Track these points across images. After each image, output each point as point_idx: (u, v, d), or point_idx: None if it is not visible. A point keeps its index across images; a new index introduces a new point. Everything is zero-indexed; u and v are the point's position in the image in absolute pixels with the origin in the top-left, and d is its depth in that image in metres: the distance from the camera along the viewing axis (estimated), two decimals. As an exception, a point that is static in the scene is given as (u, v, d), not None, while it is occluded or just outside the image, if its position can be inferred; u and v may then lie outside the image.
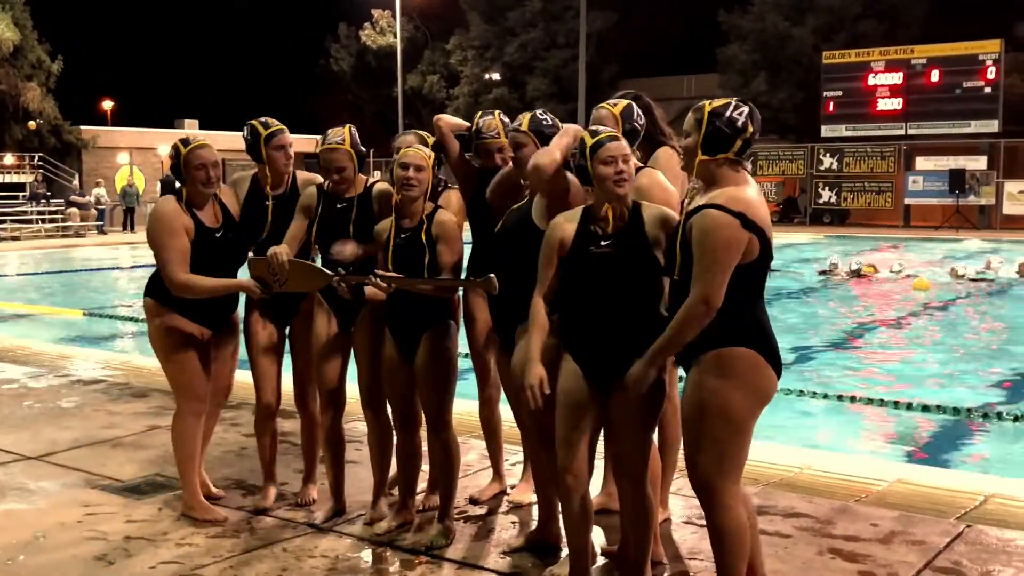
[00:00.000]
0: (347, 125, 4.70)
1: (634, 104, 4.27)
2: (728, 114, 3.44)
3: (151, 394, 7.54)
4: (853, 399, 7.96)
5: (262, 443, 5.02)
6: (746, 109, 3.47)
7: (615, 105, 4.26)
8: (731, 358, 3.42)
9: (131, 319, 13.34)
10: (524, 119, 4.35)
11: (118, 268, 21.92)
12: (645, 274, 3.65)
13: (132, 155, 36.63)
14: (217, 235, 4.76)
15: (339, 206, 4.66)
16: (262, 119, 4.91)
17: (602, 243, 3.67)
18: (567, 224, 3.75)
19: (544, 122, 4.31)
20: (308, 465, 5.09)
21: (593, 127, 3.93)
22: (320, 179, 4.83)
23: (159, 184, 33.78)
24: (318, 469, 5.07)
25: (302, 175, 5.02)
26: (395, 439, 4.72)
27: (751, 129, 3.45)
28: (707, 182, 3.48)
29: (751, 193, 3.43)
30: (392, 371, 4.55)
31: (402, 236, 4.37)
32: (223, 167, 4.87)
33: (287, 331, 5.01)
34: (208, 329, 4.83)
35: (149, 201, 34.23)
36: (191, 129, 40.19)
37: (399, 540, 4.50)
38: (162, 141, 37.92)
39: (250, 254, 4.89)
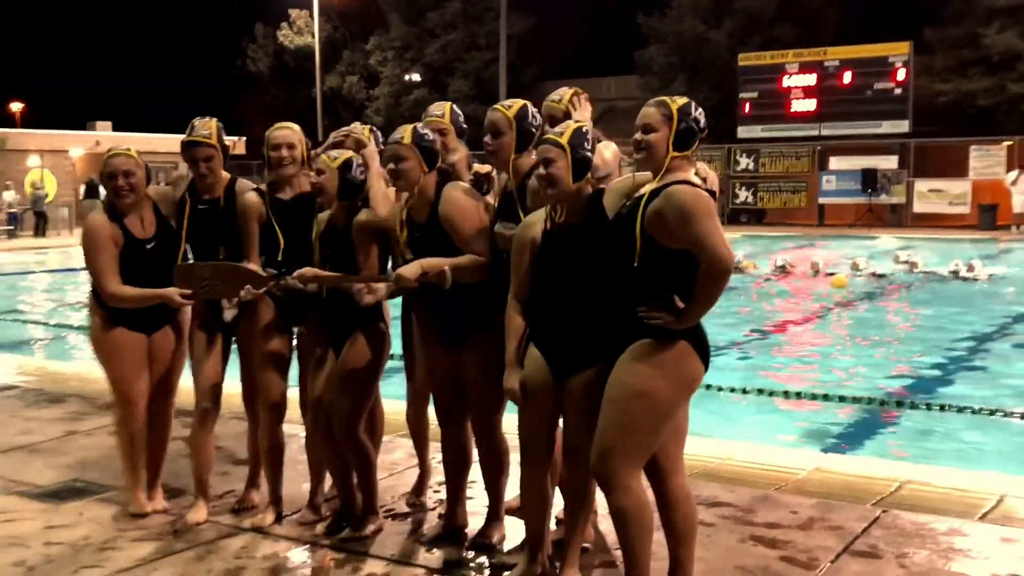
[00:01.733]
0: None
1: (528, 105, 4.24)
2: (694, 113, 3.57)
3: (67, 399, 7.40)
4: (772, 393, 8.14)
5: (198, 449, 4.89)
6: (700, 108, 3.62)
7: (509, 108, 4.18)
8: (663, 347, 3.48)
9: (42, 323, 13.06)
10: (407, 132, 4.25)
11: (29, 272, 21.38)
12: (606, 262, 3.68)
13: (43, 158, 35.71)
14: (148, 246, 4.72)
15: (200, 207, 4.78)
16: (194, 120, 4.81)
17: (567, 236, 3.75)
18: (535, 223, 3.85)
19: (425, 137, 4.27)
20: (253, 469, 5.04)
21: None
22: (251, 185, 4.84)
23: (83, 187, 32.93)
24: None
25: (242, 183, 4.89)
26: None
27: (705, 127, 3.62)
28: (665, 173, 3.54)
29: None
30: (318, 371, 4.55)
31: (416, 232, 4.28)
32: (147, 172, 4.77)
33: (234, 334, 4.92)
34: (143, 334, 4.80)
35: (62, 204, 33.46)
36: (103, 131, 39.34)
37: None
38: (74, 144, 37.09)
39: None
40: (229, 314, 4.63)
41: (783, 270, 17.62)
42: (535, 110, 4.24)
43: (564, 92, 4.57)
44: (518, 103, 4.23)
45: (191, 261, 4.76)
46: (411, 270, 4.06)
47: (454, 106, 4.82)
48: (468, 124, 4.83)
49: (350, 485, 4.62)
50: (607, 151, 4.27)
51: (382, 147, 4.58)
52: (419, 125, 4.36)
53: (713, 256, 3.38)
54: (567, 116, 4.35)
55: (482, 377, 4.19)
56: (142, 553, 4.36)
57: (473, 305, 4.20)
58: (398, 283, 4.08)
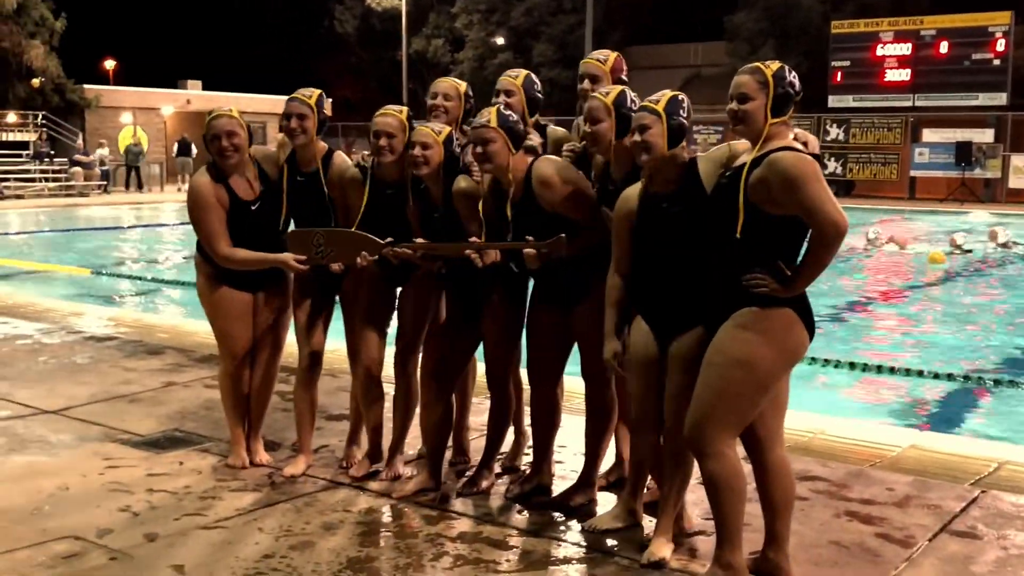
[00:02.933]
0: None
1: (626, 91, 4.18)
2: (789, 77, 3.52)
3: (165, 351, 7.59)
4: (865, 367, 8.01)
5: (300, 404, 5.00)
6: (793, 72, 3.56)
7: (607, 95, 4.13)
8: (769, 316, 3.46)
9: (138, 278, 13.38)
10: (492, 114, 4.25)
11: (122, 228, 21.92)
12: (702, 231, 3.67)
13: (135, 115, 36.45)
14: (253, 207, 4.79)
15: (299, 179, 4.85)
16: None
17: (663, 205, 3.77)
18: (632, 196, 3.88)
19: (510, 118, 4.27)
20: (355, 426, 5.09)
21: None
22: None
23: (176, 146, 33.64)
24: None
25: (339, 157, 4.87)
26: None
27: (801, 91, 3.55)
28: (764, 141, 3.50)
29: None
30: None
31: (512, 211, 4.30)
32: (249, 132, 4.80)
33: (336, 297, 4.99)
34: (249, 292, 4.89)
35: (153, 161, 34.20)
36: (194, 90, 39.98)
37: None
38: (165, 101, 37.77)
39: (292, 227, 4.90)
40: (336, 266, 4.66)
41: (874, 243, 17.27)
42: (633, 95, 4.19)
43: (610, 55, 4.70)
44: (615, 90, 4.19)
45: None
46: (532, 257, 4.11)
47: (532, 75, 4.84)
48: (552, 89, 4.88)
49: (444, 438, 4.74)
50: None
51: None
52: (501, 106, 4.38)
53: (825, 221, 3.34)
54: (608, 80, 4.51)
55: (595, 335, 4.18)
56: (242, 504, 4.46)
57: (584, 266, 4.23)
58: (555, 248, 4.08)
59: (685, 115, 3.77)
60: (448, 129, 4.50)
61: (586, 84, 4.59)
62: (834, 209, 3.35)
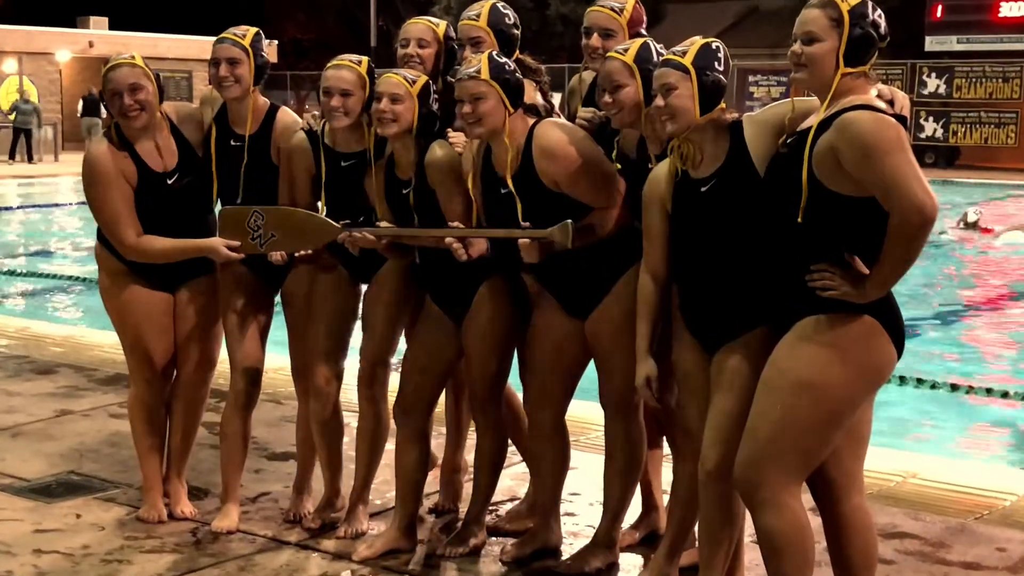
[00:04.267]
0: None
1: (650, 42, 4.16)
2: (871, 15, 3.51)
3: (58, 370, 7.60)
4: (970, 389, 8.03)
5: (230, 439, 5.02)
6: (879, 9, 3.55)
7: (626, 51, 4.11)
8: (845, 325, 3.46)
9: (28, 274, 13.39)
10: (483, 63, 4.26)
11: (7, 208, 21.93)
12: (754, 216, 3.69)
13: (22, 62, 36.46)
14: (169, 180, 4.81)
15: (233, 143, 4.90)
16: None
17: (700, 187, 3.78)
18: (661, 177, 3.90)
19: (507, 67, 4.29)
20: (304, 465, 5.13)
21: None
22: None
23: (81, 102, 33.53)
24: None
25: (284, 116, 4.95)
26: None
27: (888, 33, 3.55)
28: (835, 97, 3.50)
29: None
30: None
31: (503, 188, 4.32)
32: (159, 84, 4.82)
33: (278, 293, 5.05)
34: (167, 292, 4.92)
35: (47, 123, 34.15)
36: (98, 29, 39.98)
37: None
38: (61, 44, 37.74)
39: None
40: (277, 256, 4.68)
41: (975, 226, 17.22)
42: (659, 46, 4.17)
43: (627, 2, 4.62)
44: (636, 43, 4.18)
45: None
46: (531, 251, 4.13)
47: (498, 4, 4.82)
48: (564, 29, 4.88)
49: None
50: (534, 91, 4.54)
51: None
52: (495, 52, 4.38)
53: (908, 203, 3.33)
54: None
55: (617, 350, 4.23)
56: (158, 569, 4.46)
57: (603, 261, 4.26)
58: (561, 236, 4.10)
59: (722, 69, 3.78)
60: (424, 78, 4.51)
61: (595, 40, 4.53)
62: (921, 189, 3.34)
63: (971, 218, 17.52)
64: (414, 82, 4.46)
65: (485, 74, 4.19)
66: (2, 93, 35.29)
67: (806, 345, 3.50)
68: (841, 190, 3.44)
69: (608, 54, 4.22)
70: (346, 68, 4.62)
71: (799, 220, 3.49)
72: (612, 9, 4.60)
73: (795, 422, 3.51)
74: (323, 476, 4.99)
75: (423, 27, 4.82)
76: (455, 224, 4.33)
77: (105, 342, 7.74)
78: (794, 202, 3.49)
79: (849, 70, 3.50)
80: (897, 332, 3.55)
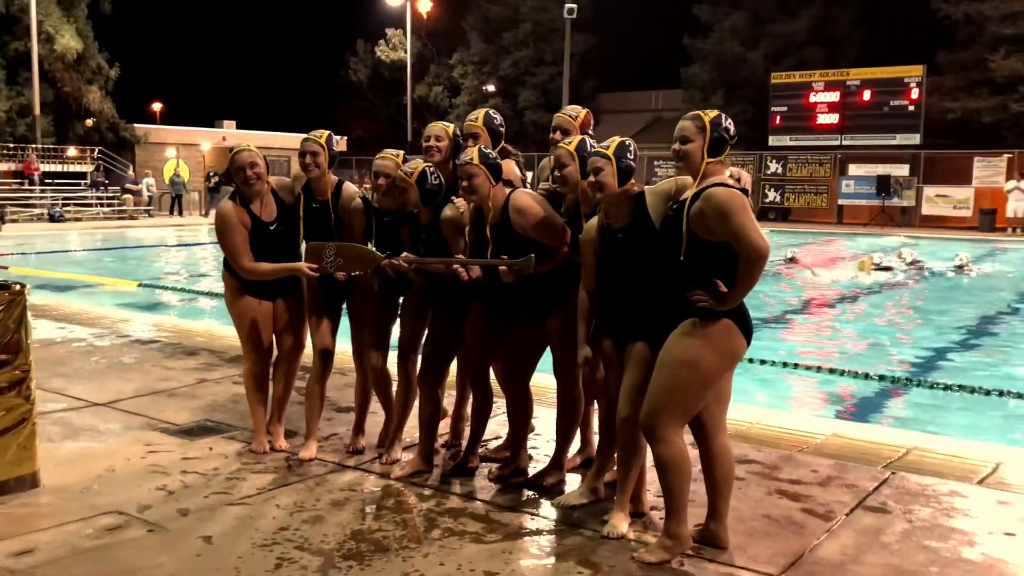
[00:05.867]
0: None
1: (627, 141, 4.08)
2: (724, 123, 3.52)
3: (200, 352, 7.56)
4: (796, 366, 8.03)
5: (311, 397, 4.97)
6: (729, 119, 3.57)
7: (608, 147, 3.88)
8: (709, 324, 3.48)
9: (179, 289, 13.32)
10: (474, 153, 4.23)
11: (165, 246, 21.83)
12: (652, 255, 3.69)
13: (178, 150, 36.34)
14: (271, 227, 4.79)
15: (314, 206, 4.89)
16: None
17: (618, 235, 3.78)
18: (594, 226, 3.90)
19: (489, 155, 4.28)
20: (360, 416, 5.07)
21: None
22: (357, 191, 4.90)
23: (216, 178, 33.15)
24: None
25: (348, 188, 4.91)
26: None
27: (735, 136, 3.56)
28: (702, 178, 3.51)
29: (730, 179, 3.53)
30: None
31: (491, 234, 4.28)
32: (266, 163, 4.81)
33: (343, 301, 5.00)
34: (269, 301, 4.89)
35: (193, 190, 34.00)
36: (229, 128, 39.84)
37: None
38: (204, 139, 37.63)
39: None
40: (341, 274, 4.69)
41: (792, 261, 17.18)
42: (592, 141, 4.13)
43: (580, 112, 4.62)
44: (577, 138, 4.16)
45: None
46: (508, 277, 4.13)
47: (490, 111, 4.83)
48: (534, 130, 4.88)
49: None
50: (514, 167, 4.54)
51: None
52: (482, 146, 4.36)
53: (750, 246, 3.35)
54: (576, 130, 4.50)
55: (565, 340, 4.22)
56: (262, 483, 4.46)
57: (555, 281, 4.23)
58: (524, 266, 4.08)
59: (632, 158, 3.78)
60: (421, 166, 4.50)
61: (557, 135, 4.52)
62: (757, 236, 3.36)
63: (788, 255, 17.50)
64: (411, 173, 4.46)
65: (476, 161, 4.19)
66: (166, 170, 35.12)
67: (686, 336, 3.51)
68: (709, 239, 3.45)
69: (557, 145, 4.23)
70: (388, 159, 4.63)
71: (682, 258, 3.51)
72: (569, 115, 4.61)
73: (678, 387, 3.52)
74: (388, 415, 4.97)
75: (439, 128, 4.81)
76: (459, 256, 4.34)
77: (229, 334, 7.69)
78: (678, 246, 3.51)
79: (711, 160, 3.51)
80: (747, 329, 3.56)
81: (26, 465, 4.29)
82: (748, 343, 3.57)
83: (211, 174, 30.81)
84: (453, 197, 4.48)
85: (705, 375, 3.51)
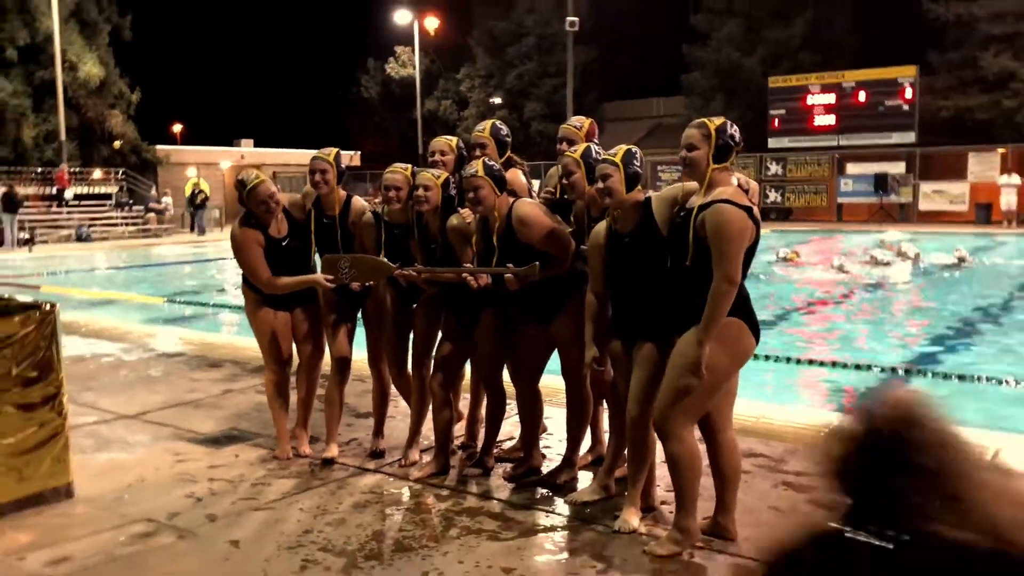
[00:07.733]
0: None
1: (632, 149, 4.11)
2: (730, 130, 3.50)
3: (224, 364, 7.60)
4: (799, 361, 8.00)
5: (331, 402, 5.00)
6: (735, 125, 3.55)
7: (615, 154, 3.90)
8: (721, 325, 3.45)
9: (204, 304, 13.37)
10: (478, 166, 4.24)
11: (188, 263, 21.92)
12: (657, 258, 3.69)
13: (199, 169, 36.46)
14: (283, 243, 4.83)
15: (324, 221, 4.91)
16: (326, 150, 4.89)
17: (624, 239, 3.77)
18: (601, 231, 3.88)
19: (493, 167, 4.28)
20: (379, 420, 5.09)
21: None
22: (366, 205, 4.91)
23: (193, 195, 32.86)
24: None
25: (356, 202, 4.94)
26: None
27: (741, 142, 3.54)
28: (709, 185, 3.49)
29: (739, 189, 3.50)
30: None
31: (496, 242, 4.30)
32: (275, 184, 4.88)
33: (359, 310, 5.02)
34: (287, 312, 4.92)
35: (214, 207, 34.11)
36: (247, 147, 40.02)
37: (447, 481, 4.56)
38: (223, 158, 37.82)
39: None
40: (356, 285, 4.72)
41: (785, 260, 17.12)
42: (598, 149, 4.11)
43: (584, 122, 4.62)
44: (582, 146, 4.16)
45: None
46: (511, 281, 4.13)
47: (496, 122, 4.86)
48: (541, 139, 4.88)
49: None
50: (520, 176, 4.55)
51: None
52: (486, 158, 4.36)
53: (722, 270, 3.35)
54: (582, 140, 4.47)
55: (571, 342, 4.21)
56: (286, 488, 4.48)
57: (560, 287, 4.24)
58: (530, 272, 4.09)
59: (639, 164, 3.78)
60: (445, 174, 4.53)
61: (564, 146, 4.50)
62: (732, 267, 3.35)
63: (782, 254, 17.43)
64: (439, 176, 4.47)
65: (481, 173, 4.20)
66: (188, 188, 35.26)
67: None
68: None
69: (564, 152, 4.23)
70: (398, 173, 4.64)
71: (688, 264, 3.51)
72: (574, 126, 4.60)
73: (690, 387, 3.50)
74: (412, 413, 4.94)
75: (443, 143, 4.82)
76: (467, 265, 4.35)
77: (252, 346, 7.69)
78: (684, 252, 3.50)
79: (717, 166, 3.50)
80: (755, 328, 3.55)
81: (60, 477, 4.32)
82: (756, 342, 3.57)
83: (196, 191, 30.82)
84: (459, 208, 4.50)
85: (717, 376, 3.50)
